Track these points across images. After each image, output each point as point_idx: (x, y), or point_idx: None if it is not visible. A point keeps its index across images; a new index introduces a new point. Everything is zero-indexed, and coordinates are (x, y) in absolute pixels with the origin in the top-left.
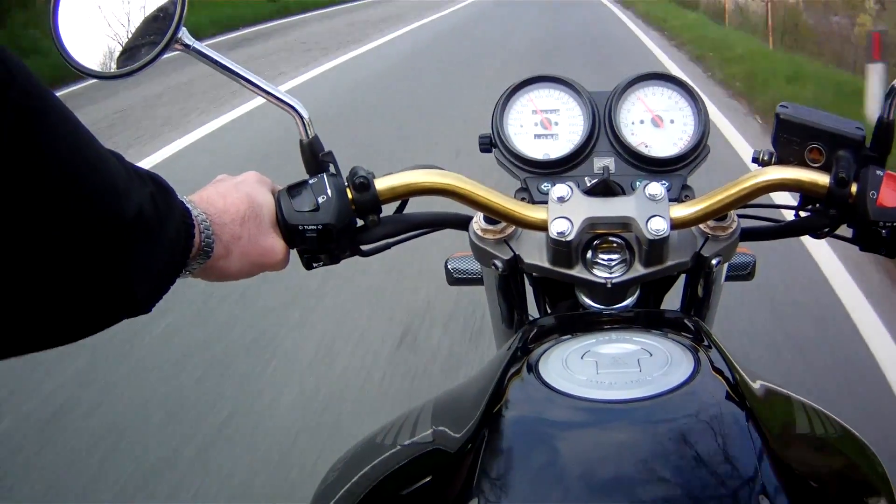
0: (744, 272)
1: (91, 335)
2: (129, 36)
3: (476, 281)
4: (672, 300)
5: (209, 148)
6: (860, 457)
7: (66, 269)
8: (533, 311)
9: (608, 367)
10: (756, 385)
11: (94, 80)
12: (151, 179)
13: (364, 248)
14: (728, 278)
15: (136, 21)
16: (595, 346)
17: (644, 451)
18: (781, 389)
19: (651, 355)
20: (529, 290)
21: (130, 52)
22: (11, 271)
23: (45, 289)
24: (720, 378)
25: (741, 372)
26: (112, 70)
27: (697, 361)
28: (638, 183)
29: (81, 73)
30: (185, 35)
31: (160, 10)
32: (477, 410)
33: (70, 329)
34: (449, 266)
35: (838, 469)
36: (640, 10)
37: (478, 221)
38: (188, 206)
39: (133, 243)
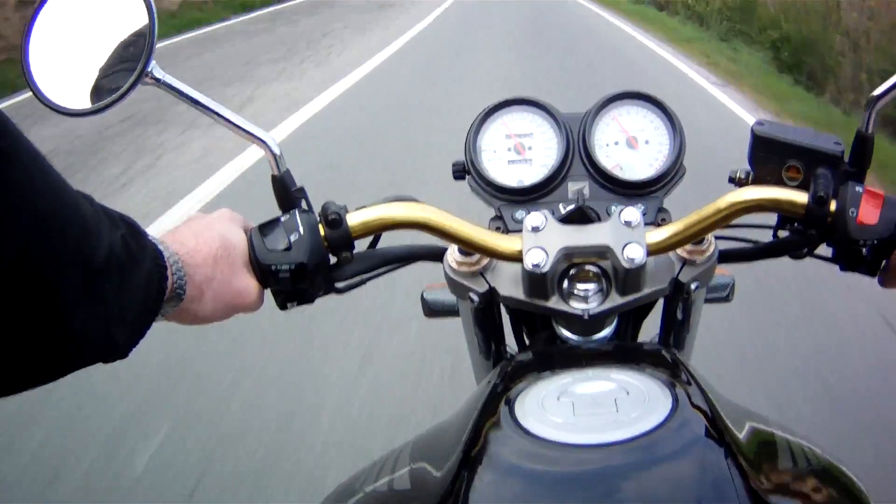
0: (722, 294)
1: (63, 377)
2: (101, 71)
3: (453, 313)
4: (651, 325)
5: None
6: (846, 491)
7: (37, 313)
8: (511, 342)
9: (585, 409)
10: (737, 421)
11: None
12: (123, 221)
13: (338, 285)
14: (706, 301)
15: (108, 53)
16: (571, 386)
17: (623, 496)
18: (764, 425)
19: (628, 394)
20: (506, 319)
21: (102, 88)
22: None
23: (17, 331)
24: (699, 414)
25: (720, 407)
26: (85, 107)
27: (675, 399)
28: (613, 208)
29: (54, 111)
30: (155, 69)
31: (133, 36)
32: (454, 454)
33: (41, 372)
34: (426, 297)
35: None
36: None
37: (452, 253)
38: (160, 247)
39: (106, 286)
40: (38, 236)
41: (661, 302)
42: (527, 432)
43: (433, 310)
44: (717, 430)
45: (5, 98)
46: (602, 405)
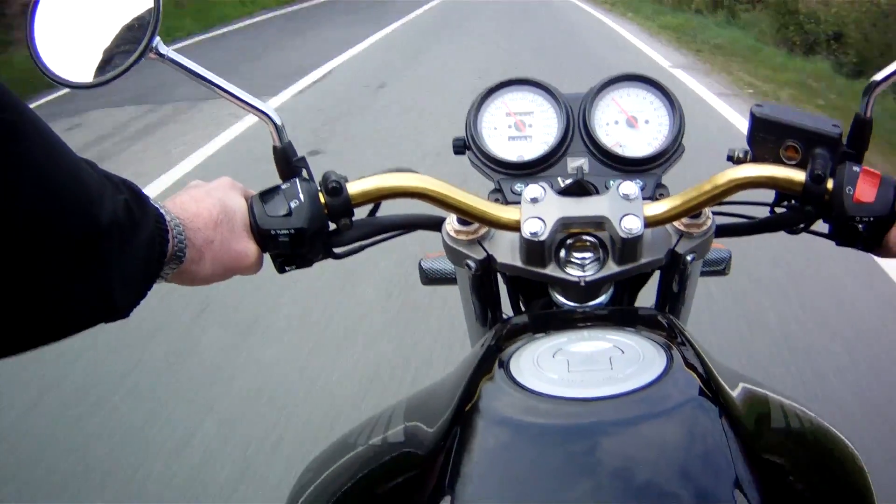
0: (718, 267)
1: (66, 338)
2: (106, 45)
3: (450, 281)
4: (647, 297)
5: None
6: (838, 452)
7: (42, 276)
8: (507, 310)
9: (579, 366)
10: (730, 381)
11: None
12: (125, 185)
13: (337, 250)
14: (702, 274)
15: (113, 31)
16: (567, 345)
17: (615, 449)
18: (757, 387)
19: (623, 353)
20: (503, 289)
21: (106, 61)
22: None
23: (23, 294)
24: (693, 374)
25: (714, 369)
26: (88, 80)
27: (670, 358)
28: (612, 182)
29: (57, 83)
30: (159, 44)
31: (136, 19)
32: (448, 410)
33: (46, 333)
34: (423, 266)
35: (815, 464)
36: None
37: (451, 223)
38: (161, 210)
39: (108, 249)
40: (44, 202)
41: (657, 274)
42: (521, 387)
43: (430, 278)
44: (710, 389)
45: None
46: (597, 363)
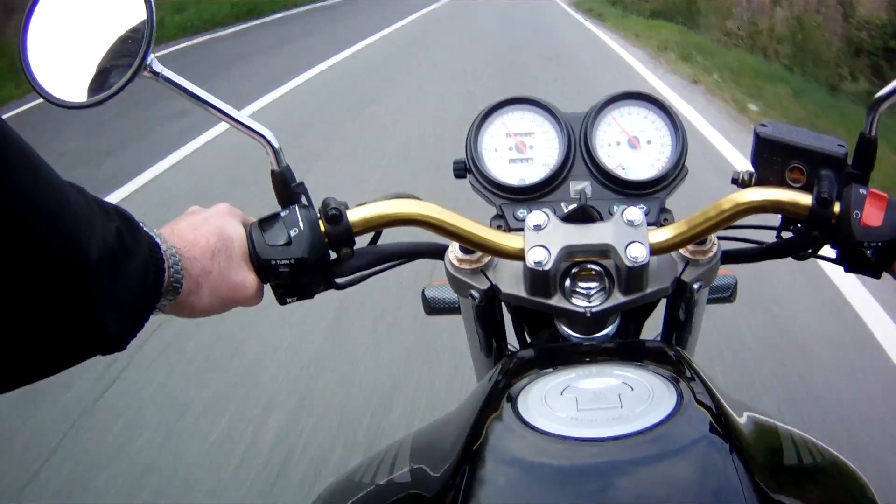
0: (724, 294)
1: (60, 371)
2: (100, 63)
3: (454, 310)
4: (653, 325)
5: None
6: (850, 485)
7: (30, 307)
8: (512, 340)
9: (589, 404)
10: (740, 416)
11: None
12: (117, 213)
13: (338, 280)
14: (709, 301)
15: (106, 47)
16: (575, 381)
17: (627, 490)
18: (767, 419)
19: (632, 389)
20: (508, 318)
21: (100, 79)
22: None
23: (12, 327)
24: (703, 411)
25: (724, 404)
26: (82, 100)
27: (680, 394)
28: (615, 207)
29: (53, 103)
30: (153, 62)
31: (131, 31)
32: (456, 449)
33: (37, 368)
34: (426, 295)
35: (827, 499)
36: None
37: (453, 251)
38: (157, 239)
39: (98, 278)
40: (30, 231)
41: (663, 302)
42: (530, 426)
43: (434, 307)
44: (722, 425)
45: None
46: (606, 400)
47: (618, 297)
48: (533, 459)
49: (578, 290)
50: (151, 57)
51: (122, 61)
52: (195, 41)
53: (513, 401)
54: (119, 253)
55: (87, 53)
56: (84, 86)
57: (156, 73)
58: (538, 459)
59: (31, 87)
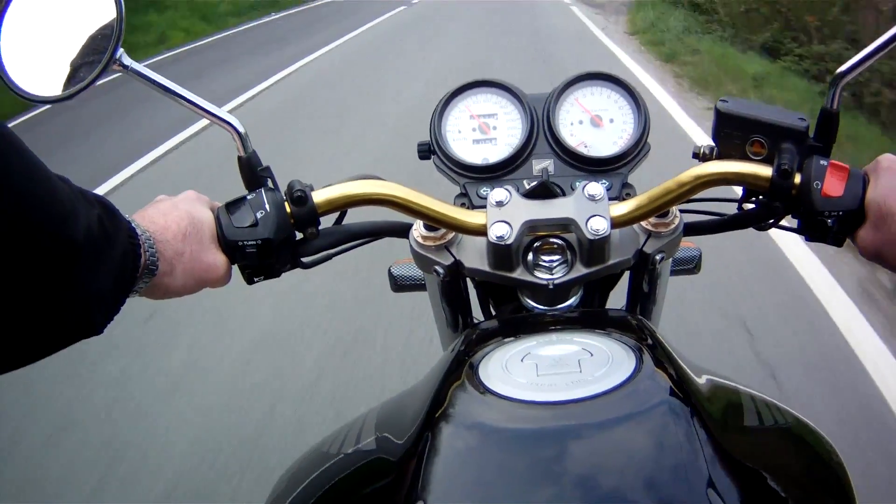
0: (689, 266)
1: (42, 358)
2: (72, 59)
3: (421, 287)
4: (618, 298)
5: None
6: (815, 446)
7: (17, 294)
8: (478, 314)
9: (548, 369)
10: (701, 380)
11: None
12: (98, 201)
13: (305, 260)
14: (673, 272)
15: (78, 44)
16: (535, 349)
17: (585, 452)
18: (729, 383)
19: (592, 355)
20: (473, 294)
21: (72, 76)
22: None
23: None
24: (663, 375)
25: (685, 368)
26: (54, 94)
27: (640, 360)
28: (577, 183)
29: (25, 99)
30: (123, 56)
31: (102, 29)
32: (419, 417)
33: (23, 353)
34: (393, 272)
35: (791, 459)
36: None
37: (417, 229)
38: (133, 224)
39: (83, 265)
40: (18, 219)
41: (627, 275)
42: (490, 392)
43: (400, 285)
44: (681, 389)
45: None
46: (566, 366)
47: (580, 270)
48: (493, 423)
49: (541, 263)
50: (121, 51)
51: (93, 58)
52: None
53: (474, 368)
54: (101, 239)
55: (61, 50)
56: (57, 81)
57: (125, 66)
58: (498, 423)
59: (4, 83)
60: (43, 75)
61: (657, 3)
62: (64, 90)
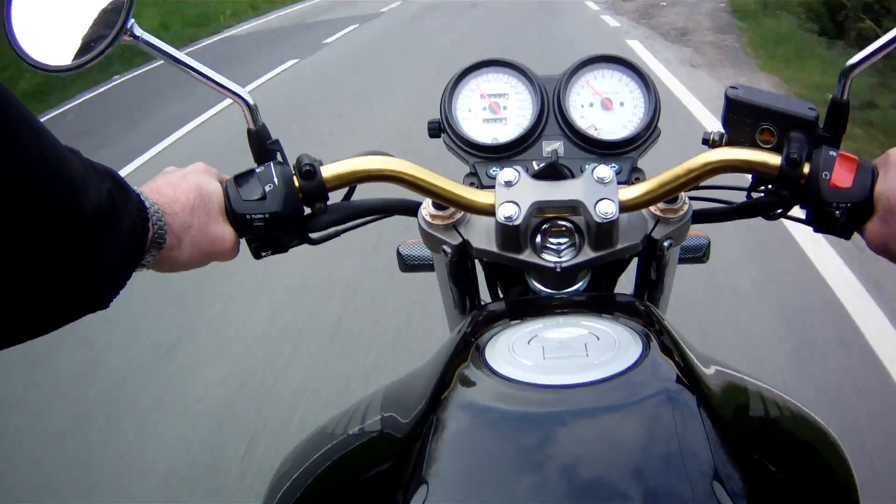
0: (697, 254)
1: (51, 331)
2: (83, 29)
3: (429, 267)
4: (626, 285)
5: None
6: (819, 439)
7: (28, 267)
8: (485, 296)
9: (554, 353)
10: (707, 369)
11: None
12: (107, 174)
13: (312, 235)
14: (681, 261)
15: (90, 14)
16: (542, 331)
17: (589, 436)
18: (735, 373)
19: (599, 340)
20: (481, 275)
21: (83, 45)
22: None
23: (8, 286)
24: (669, 362)
25: (691, 356)
26: (65, 64)
27: (646, 346)
28: (587, 166)
29: (35, 68)
30: (134, 27)
31: (112, 2)
32: (424, 398)
33: (32, 326)
34: (401, 252)
35: (795, 451)
36: None
37: (426, 207)
38: (141, 197)
39: (92, 237)
40: (29, 191)
41: (635, 261)
42: (496, 374)
43: (408, 264)
44: (687, 376)
45: None
46: (572, 349)
47: (587, 253)
48: (497, 405)
49: (549, 245)
50: (132, 22)
51: (104, 30)
52: None
53: (480, 350)
54: (110, 213)
55: (71, 21)
56: (67, 50)
57: (136, 37)
58: (503, 405)
59: (15, 54)
60: (54, 44)
61: None
62: (74, 60)
